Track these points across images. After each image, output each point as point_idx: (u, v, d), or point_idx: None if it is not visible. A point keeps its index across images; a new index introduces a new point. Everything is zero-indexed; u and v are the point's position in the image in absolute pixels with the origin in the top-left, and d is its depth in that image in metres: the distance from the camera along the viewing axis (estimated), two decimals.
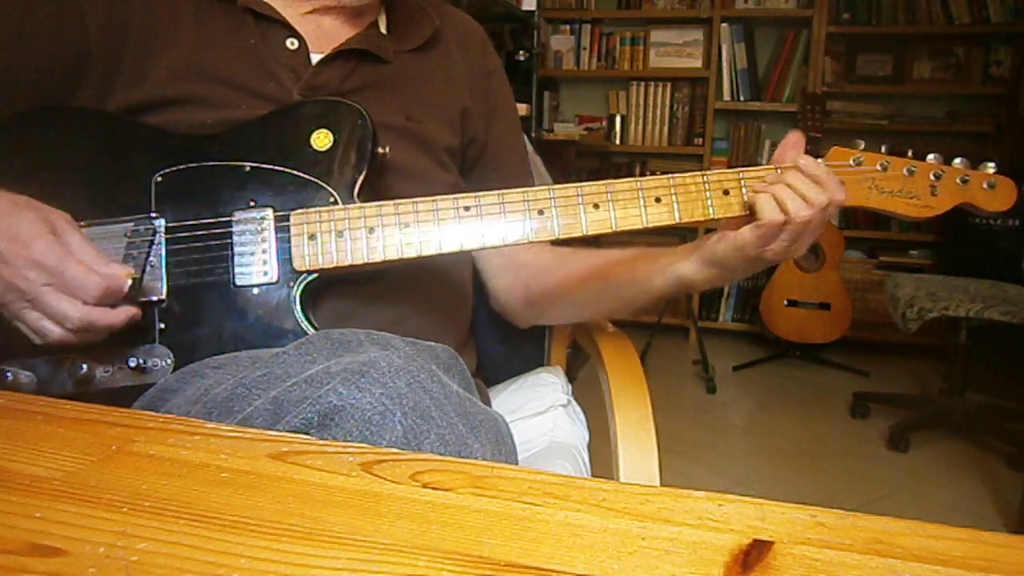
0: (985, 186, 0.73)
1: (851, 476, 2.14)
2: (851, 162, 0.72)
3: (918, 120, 3.27)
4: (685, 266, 0.72)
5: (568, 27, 3.59)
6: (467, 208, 0.69)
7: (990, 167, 0.73)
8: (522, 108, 2.57)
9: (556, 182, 0.99)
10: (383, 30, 0.84)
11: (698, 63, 3.44)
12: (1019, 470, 2.17)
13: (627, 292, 0.79)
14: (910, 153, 0.73)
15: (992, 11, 3.11)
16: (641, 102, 3.54)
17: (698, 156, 3.49)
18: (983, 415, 2.39)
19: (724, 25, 3.36)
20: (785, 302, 3.01)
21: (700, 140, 3.46)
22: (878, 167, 0.72)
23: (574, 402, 0.97)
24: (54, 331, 0.61)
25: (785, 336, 3.03)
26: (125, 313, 0.63)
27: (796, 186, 0.66)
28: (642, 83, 3.53)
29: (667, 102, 3.50)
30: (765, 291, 3.04)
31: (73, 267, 0.59)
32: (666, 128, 3.52)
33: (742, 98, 3.42)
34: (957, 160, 0.73)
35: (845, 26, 3.26)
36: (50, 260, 0.59)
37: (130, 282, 0.62)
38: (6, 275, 0.59)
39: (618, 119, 3.56)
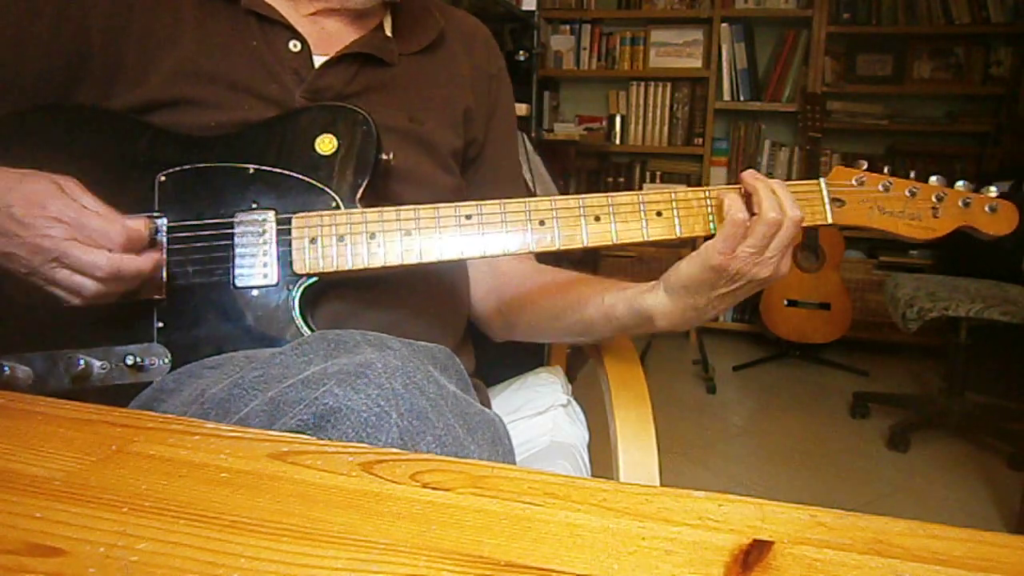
0: (987, 209, 0.73)
1: (851, 476, 2.14)
2: (853, 182, 0.72)
3: (918, 120, 3.27)
4: (648, 297, 0.70)
5: (568, 27, 3.59)
6: (468, 217, 0.69)
7: (992, 191, 0.73)
8: (522, 108, 2.57)
9: (556, 182, 0.99)
10: (388, 32, 0.83)
11: (698, 63, 3.44)
12: (1019, 470, 2.17)
13: (589, 313, 0.76)
14: (912, 174, 0.73)
15: (992, 11, 3.11)
16: (641, 102, 3.53)
17: (698, 156, 3.49)
18: (983, 415, 2.39)
19: (724, 25, 3.36)
20: (785, 302, 3.01)
21: (700, 140, 3.46)
22: (880, 188, 0.72)
23: (574, 402, 0.97)
24: (87, 284, 0.61)
25: (785, 336, 3.03)
26: (151, 258, 0.64)
27: (772, 187, 0.66)
28: (642, 83, 3.53)
29: (667, 102, 3.50)
30: (765, 291, 3.04)
31: (93, 218, 0.61)
32: (666, 128, 3.52)
33: (742, 98, 3.42)
34: (960, 183, 0.73)
35: (845, 26, 3.26)
36: (69, 215, 0.60)
37: (150, 231, 0.65)
38: (28, 237, 0.60)
39: (618, 119, 3.56)
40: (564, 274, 0.85)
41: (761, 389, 2.88)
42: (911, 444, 2.30)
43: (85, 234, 0.60)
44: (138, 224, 0.63)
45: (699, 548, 0.32)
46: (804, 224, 0.70)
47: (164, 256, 0.67)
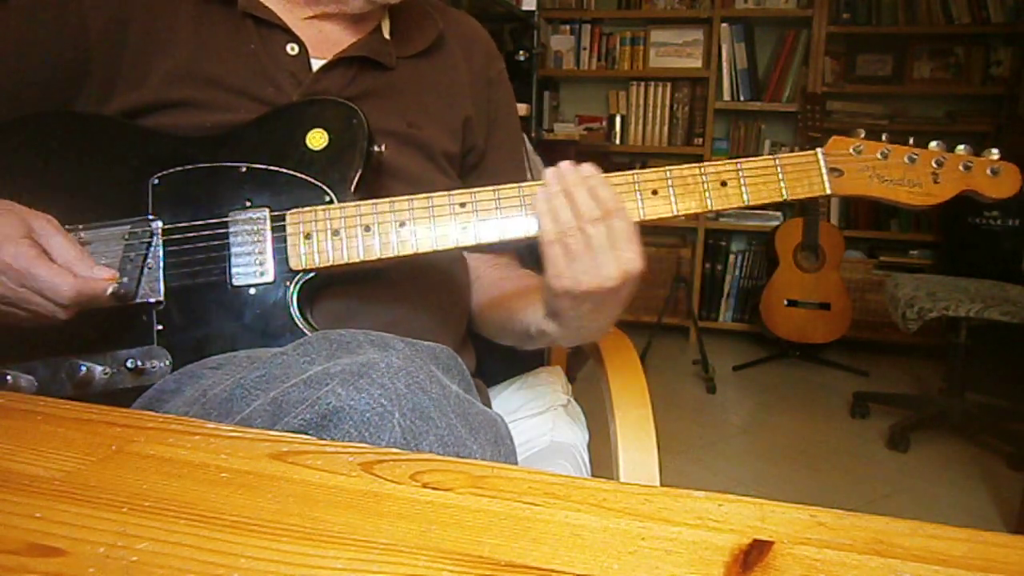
0: (989, 172, 0.71)
1: (851, 476, 2.14)
2: (851, 151, 0.71)
3: (918, 120, 3.27)
4: (544, 322, 0.70)
5: (568, 27, 3.59)
6: (462, 205, 0.69)
7: (994, 153, 0.71)
8: (522, 108, 2.57)
9: None
10: (386, 35, 0.83)
11: (698, 63, 3.44)
12: (1019, 470, 2.17)
13: (517, 328, 0.77)
14: (911, 141, 0.71)
15: (992, 11, 3.11)
16: (641, 102, 3.53)
17: (698, 156, 3.48)
18: (983, 415, 2.39)
19: (724, 25, 3.36)
20: (785, 302, 3.00)
21: (700, 140, 3.46)
22: (879, 155, 0.71)
23: (574, 402, 0.97)
24: (45, 312, 0.61)
25: (785, 336, 3.03)
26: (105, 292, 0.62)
27: (568, 190, 0.63)
28: (642, 83, 3.53)
29: (667, 102, 3.50)
30: (765, 291, 3.04)
31: (44, 271, 0.60)
32: (666, 128, 3.52)
33: (742, 98, 3.41)
34: (960, 147, 0.71)
35: (845, 26, 3.26)
36: (20, 263, 0.59)
37: (112, 287, 0.62)
38: None
39: (618, 119, 3.56)
40: (514, 283, 0.85)
41: (761, 389, 2.88)
42: (911, 444, 2.30)
43: (35, 286, 0.60)
44: (99, 276, 0.62)
45: (699, 548, 0.32)
46: (800, 196, 0.68)
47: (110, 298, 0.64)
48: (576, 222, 0.61)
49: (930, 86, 3.27)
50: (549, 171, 0.64)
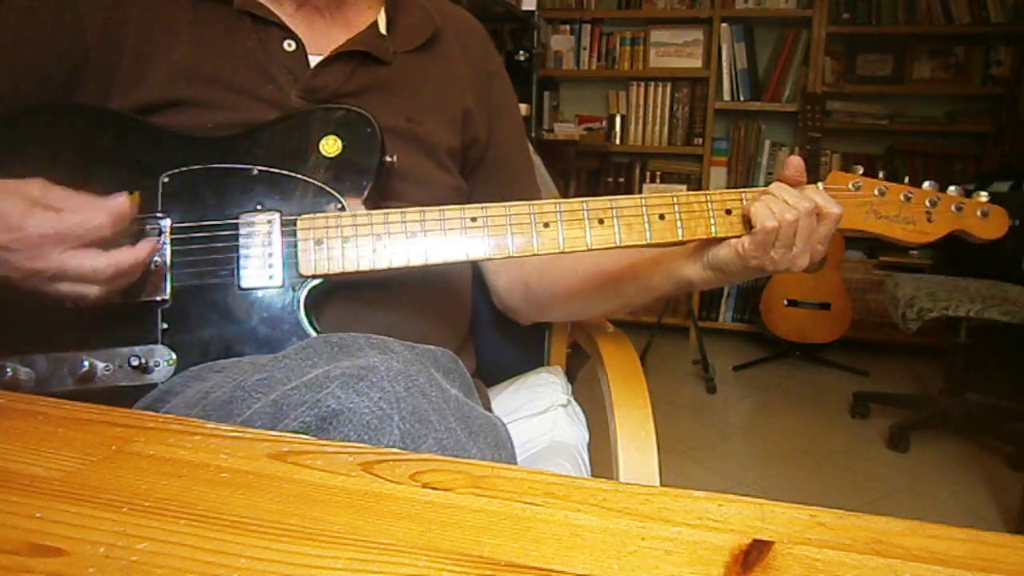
0: (979, 214, 0.75)
1: (851, 476, 2.14)
2: (850, 187, 0.74)
3: (918, 120, 3.27)
4: (688, 268, 0.73)
5: (568, 27, 3.59)
6: (474, 219, 0.69)
7: (983, 196, 0.75)
8: (522, 108, 2.57)
9: (556, 182, 0.98)
10: (382, 30, 0.83)
11: (698, 63, 3.44)
12: (1019, 470, 2.17)
13: (628, 290, 0.80)
14: (907, 179, 0.75)
15: (992, 11, 3.11)
16: (641, 102, 3.53)
17: (698, 156, 3.49)
18: (983, 415, 2.39)
19: (724, 25, 3.36)
20: (785, 302, 3.01)
21: (700, 140, 3.46)
22: (876, 192, 0.74)
23: (574, 402, 0.97)
24: (92, 290, 0.62)
25: (785, 336, 3.03)
26: (147, 246, 0.65)
27: (778, 193, 0.69)
28: (642, 83, 3.53)
29: (667, 102, 3.50)
30: (765, 291, 3.04)
31: (73, 219, 0.60)
32: (666, 128, 3.52)
33: (742, 98, 3.41)
34: (952, 188, 0.75)
35: (845, 26, 3.26)
36: (49, 227, 0.59)
37: (133, 203, 0.64)
38: (19, 262, 0.59)
39: (618, 119, 3.56)
40: (589, 255, 0.85)
41: (761, 389, 2.88)
42: (911, 444, 2.30)
43: (73, 239, 0.60)
44: (117, 200, 0.62)
45: (699, 548, 0.32)
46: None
47: (159, 243, 0.68)
48: (772, 225, 0.67)
49: (930, 86, 3.27)
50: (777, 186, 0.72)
